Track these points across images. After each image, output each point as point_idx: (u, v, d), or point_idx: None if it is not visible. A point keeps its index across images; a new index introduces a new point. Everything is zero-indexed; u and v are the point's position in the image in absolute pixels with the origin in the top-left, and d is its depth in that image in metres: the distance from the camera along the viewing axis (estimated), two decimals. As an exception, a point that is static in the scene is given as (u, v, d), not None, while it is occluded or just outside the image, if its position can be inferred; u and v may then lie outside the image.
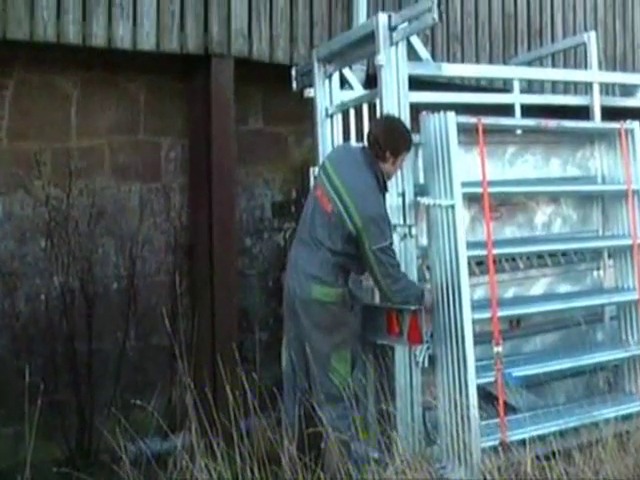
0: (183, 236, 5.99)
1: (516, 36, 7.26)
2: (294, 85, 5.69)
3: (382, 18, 4.64)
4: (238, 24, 5.86)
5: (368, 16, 6.15)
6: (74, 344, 5.45)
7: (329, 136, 5.28)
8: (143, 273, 5.82)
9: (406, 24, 4.65)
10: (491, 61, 6.97)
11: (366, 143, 4.62)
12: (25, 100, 5.57)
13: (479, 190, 4.56)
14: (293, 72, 5.69)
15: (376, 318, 4.69)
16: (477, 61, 6.87)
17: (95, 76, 5.81)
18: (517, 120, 5.16)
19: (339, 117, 5.30)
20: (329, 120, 5.30)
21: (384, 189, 4.55)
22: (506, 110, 5.43)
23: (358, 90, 5.47)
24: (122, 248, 5.78)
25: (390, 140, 4.51)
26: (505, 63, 6.90)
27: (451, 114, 4.48)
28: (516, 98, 5.41)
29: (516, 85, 5.48)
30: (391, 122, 4.62)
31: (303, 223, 4.67)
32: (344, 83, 5.57)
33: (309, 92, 5.43)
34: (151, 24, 5.55)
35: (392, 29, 4.64)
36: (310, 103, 5.53)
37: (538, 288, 5.06)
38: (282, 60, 6.02)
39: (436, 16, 4.40)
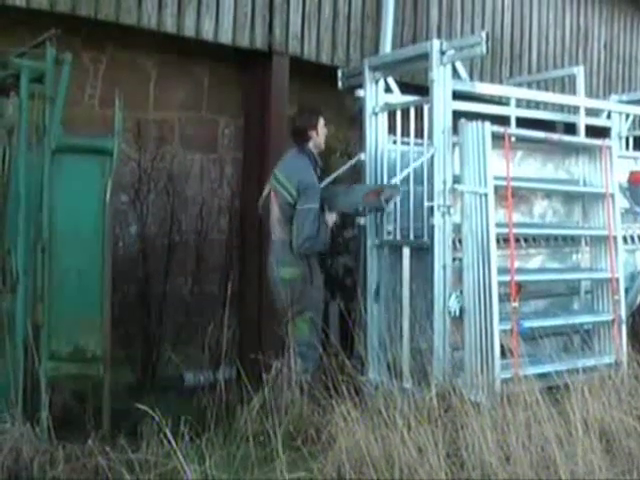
0: (234, 202, 7.12)
1: (501, 57, 8.69)
2: (339, 85, 6.85)
3: (436, 44, 5.89)
4: (294, 29, 7.03)
5: (393, 31, 7.45)
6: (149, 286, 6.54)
7: (374, 131, 6.45)
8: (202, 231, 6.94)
9: (453, 51, 5.92)
10: (482, 77, 8.35)
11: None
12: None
13: (503, 183, 5.88)
14: (339, 74, 6.85)
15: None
16: (471, 77, 8.20)
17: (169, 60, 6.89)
18: (532, 132, 6.44)
19: (385, 115, 6.49)
20: (374, 117, 6.49)
21: (317, 166, 5.97)
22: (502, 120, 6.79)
23: (397, 94, 6.67)
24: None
25: (303, 121, 5.97)
26: (493, 79, 8.33)
27: (487, 124, 5.78)
28: (518, 112, 6.80)
29: (513, 101, 6.87)
30: (298, 112, 6.16)
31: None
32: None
33: (359, 92, 6.58)
34: (229, 22, 6.66)
35: (442, 53, 5.90)
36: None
37: (534, 262, 6.43)
38: (325, 61, 7.21)
39: (484, 49, 5.68)
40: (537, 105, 7.97)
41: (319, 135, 5.99)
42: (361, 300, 6.11)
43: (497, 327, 5.56)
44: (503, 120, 6.62)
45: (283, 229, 5.84)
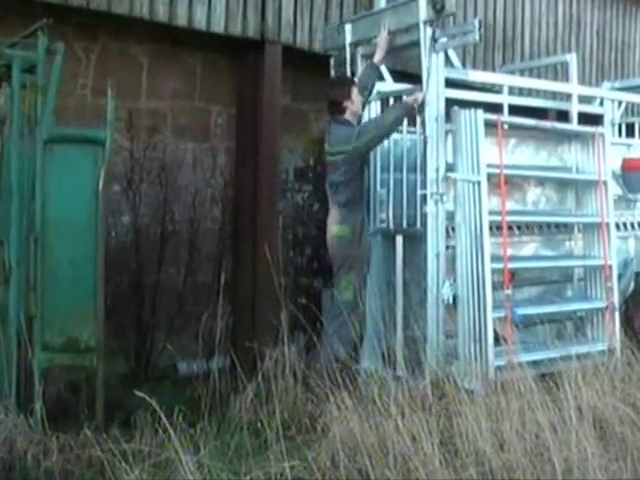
0: (227, 191, 7.10)
1: (494, 45, 8.68)
2: (332, 72, 6.82)
3: (428, 31, 5.87)
4: (286, 17, 7.00)
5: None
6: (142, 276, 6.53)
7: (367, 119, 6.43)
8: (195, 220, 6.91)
9: (446, 38, 5.91)
10: (474, 64, 8.33)
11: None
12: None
13: (496, 171, 5.88)
14: (332, 62, 6.80)
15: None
16: (463, 64, 8.18)
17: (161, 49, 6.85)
18: (524, 120, 6.42)
19: (378, 103, 6.48)
20: (367, 105, 6.46)
21: None
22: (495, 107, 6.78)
23: (389, 81, 6.65)
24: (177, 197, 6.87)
25: (336, 93, 6.06)
26: (486, 66, 8.31)
27: (480, 111, 5.78)
28: (511, 99, 6.77)
29: (506, 89, 6.84)
30: (329, 85, 6.28)
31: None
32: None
33: (352, 80, 6.54)
34: (221, 10, 6.63)
35: (435, 40, 5.88)
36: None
37: (527, 250, 6.44)
38: (318, 49, 7.15)
39: (477, 37, 5.67)
40: (530, 92, 7.97)
41: (354, 103, 6.04)
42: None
43: (490, 314, 5.56)
44: (496, 108, 6.59)
45: (335, 195, 5.94)
